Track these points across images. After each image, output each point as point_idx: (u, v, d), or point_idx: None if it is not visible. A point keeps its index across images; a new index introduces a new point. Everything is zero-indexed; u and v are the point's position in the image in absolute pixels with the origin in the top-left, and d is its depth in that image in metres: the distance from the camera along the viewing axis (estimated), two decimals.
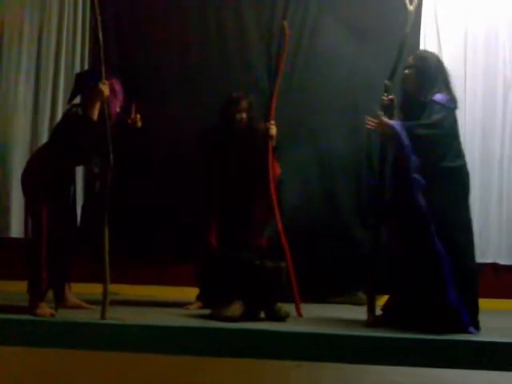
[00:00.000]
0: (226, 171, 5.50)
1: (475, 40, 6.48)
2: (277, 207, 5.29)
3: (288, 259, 5.18)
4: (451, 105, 4.76)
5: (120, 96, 5.13)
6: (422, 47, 6.30)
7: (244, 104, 5.49)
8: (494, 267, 6.25)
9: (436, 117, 4.66)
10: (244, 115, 5.49)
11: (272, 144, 5.43)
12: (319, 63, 6.19)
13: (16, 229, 6.41)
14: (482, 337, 4.34)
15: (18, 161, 6.40)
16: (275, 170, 5.47)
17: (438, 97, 4.72)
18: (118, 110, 5.11)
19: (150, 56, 6.31)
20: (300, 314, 5.17)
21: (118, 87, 5.11)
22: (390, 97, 4.95)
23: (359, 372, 3.73)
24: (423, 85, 4.78)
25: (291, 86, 6.24)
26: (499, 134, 6.43)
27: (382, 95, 4.94)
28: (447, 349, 3.97)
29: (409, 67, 4.89)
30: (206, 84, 6.21)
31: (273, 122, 5.45)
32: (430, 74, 4.79)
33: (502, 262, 6.29)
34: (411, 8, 5.04)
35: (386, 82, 4.96)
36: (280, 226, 5.25)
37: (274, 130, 5.43)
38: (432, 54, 5.01)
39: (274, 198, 5.31)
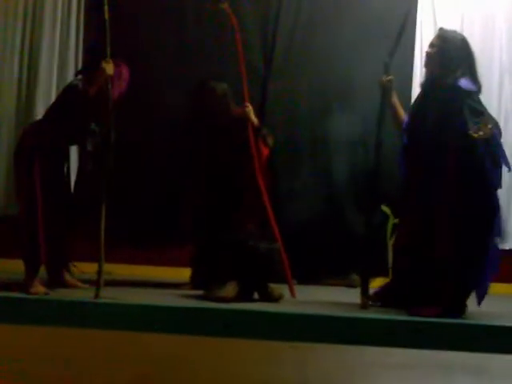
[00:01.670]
0: (211, 159, 5.51)
1: (471, 26, 6.47)
2: (264, 190, 5.28)
3: (279, 241, 5.18)
4: (476, 89, 4.69)
5: (124, 83, 5.10)
6: (418, 33, 6.31)
7: (207, 89, 5.51)
8: None
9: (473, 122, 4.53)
10: (209, 101, 5.49)
11: (252, 125, 5.41)
12: (314, 55, 6.17)
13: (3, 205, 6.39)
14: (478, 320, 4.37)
15: (5, 137, 6.39)
16: (262, 151, 5.47)
17: (464, 82, 4.65)
18: (116, 94, 5.06)
19: (145, 41, 6.26)
20: (293, 295, 5.18)
21: (125, 73, 5.09)
22: (389, 77, 4.93)
23: (352, 352, 3.75)
24: (445, 66, 4.72)
25: (287, 68, 6.24)
26: (495, 117, 6.43)
27: (382, 76, 4.93)
28: (441, 330, 4.00)
29: (431, 46, 4.84)
30: (201, 69, 6.18)
31: (247, 103, 5.41)
32: (452, 56, 4.72)
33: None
34: None
35: (386, 60, 4.93)
36: (269, 209, 5.25)
37: (248, 111, 5.40)
38: (456, 35, 4.92)
39: (261, 181, 5.30)
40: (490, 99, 6.39)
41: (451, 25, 6.39)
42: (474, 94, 4.68)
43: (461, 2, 6.48)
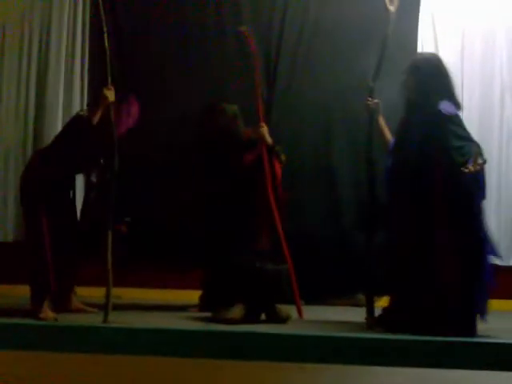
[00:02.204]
0: (219, 178, 5.54)
1: (472, 43, 6.52)
2: (276, 210, 5.31)
3: (289, 262, 5.21)
4: (457, 111, 4.72)
5: (132, 120, 5.16)
6: (419, 50, 6.33)
7: (217, 111, 5.59)
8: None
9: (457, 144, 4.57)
10: (218, 122, 5.56)
11: (265, 145, 5.45)
12: (319, 64, 6.20)
13: (11, 233, 6.43)
14: (484, 338, 4.39)
15: (14, 164, 6.43)
16: (277, 170, 5.51)
17: (444, 106, 4.66)
18: (124, 130, 5.12)
19: (150, 55, 6.29)
20: (301, 316, 5.20)
21: (134, 110, 5.15)
22: (375, 101, 4.98)
23: (360, 373, 3.76)
24: (422, 93, 4.73)
25: (290, 88, 6.27)
26: (497, 136, 6.48)
27: (367, 99, 4.98)
28: (447, 349, 4.00)
29: (406, 73, 4.86)
30: (202, 82, 6.22)
31: (262, 123, 5.46)
32: (427, 82, 4.72)
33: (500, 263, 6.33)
34: (392, 9, 5.04)
35: (370, 83, 4.99)
36: (279, 229, 5.28)
37: (263, 131, 5.44)
38: (430, 57, 4.95)
39: (273, 200, 5.34)
40: (491, 117, 6.45)
41: (452, 43, 6.47)
42: (454, 118, 4.68)
43: (461, 18, 6.52)
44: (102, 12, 4.89)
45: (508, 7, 6.49)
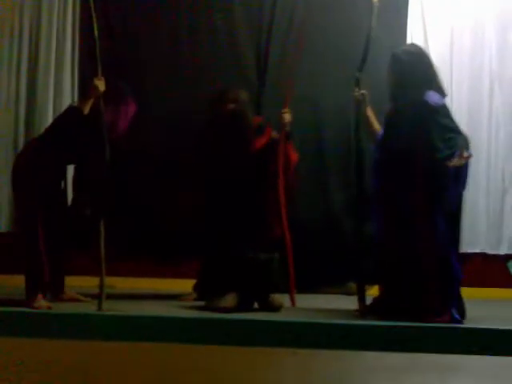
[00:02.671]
0: (224, 167, 5.51)
1: (461, 36, 6.56)
2: (284, 198, 5.35)
3: (289, 250, 5.26)
4: (443, 100, 4.75)
5: (130, 119, 5.20)
6: (408, 41, 6.37)
7: (231, 95, 5.54)
8: (483, 257, 6.37)
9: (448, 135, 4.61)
10: (231, 106, 5.53)
11: (285, 131, 5.46)
12: (309, 55, 6.22)
13: (5, 223, 6.45)
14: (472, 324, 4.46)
15: (5, 155, 6.46)
16: (292, 156, 5.53)
17: (431, 97, 4.67)
18: (121, 130, 5.16)
19: (140, 52, 6.31)
20: (293, 304, 5.25)
21: (131, 109, 5.19)
22: (362, 91, 5.00)
23: (349, 356, 3.83)
24: (406, 86, 4.74)
25: (281, 80, 6.30)
26: (486, 127, 6.53)
27: (353, 89, 5.01)
28: (433, 334, 4.08)
29: (388, 66, 4.87)
30: (195, 79, 6.24)
31: (286, 109, 5.47)
32: (409, 75, 4.73)
33: (490, 251, 6.40)
34: (375, 0, 5.08)
35: (356, 74, 5.01)
36: (284, 218, 5.32)
37: (287, 118, 5.45)
38: (411, 49, 4.93)
39: (281, 187, 5.37)
40: (480, 108, 6.50)
41: (441, 36, 6.52)
42: (442, 109, 4.70)
43: (450, 13, 6.56)
44: (92, 2, 4.92)
45: (496, 0, 6.53)
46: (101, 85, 4.93)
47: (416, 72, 4.75)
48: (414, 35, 6.47)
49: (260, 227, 5.40)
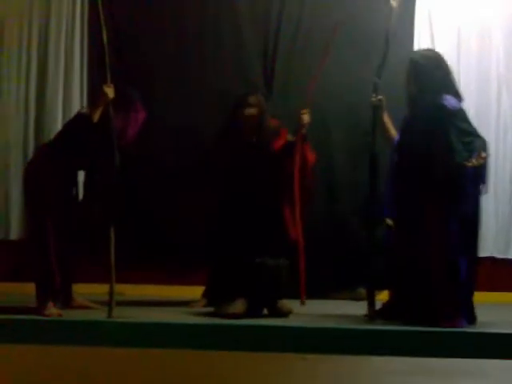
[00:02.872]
0: (237, 167, 5.54)
1: (468, 39, 6.56)
2: (299, 201, 5.35)
3: (301, 254, 5.28)
4: (461, 104, 4.79)
5: (140, 125, 5.22)
6: (416, 47, 6.39)
7: (252, 99, 5.54)
8: (491, 261, 6.36)
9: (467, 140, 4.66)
10: (252, 110, 5.54)
11: (302, 133, 5.47)
12: (315, 61, 6.24)
13: (16, 231, 6.47)
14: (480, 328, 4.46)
15: (15, 161, 6.48)
16: (309, 157, 5.53)
17: (449, 101, 4.71)
18: (130, 137, 5.19)
19: (147, 58, 6.36)
20: (303, 302, 5.26)
21: (141, 116, 5.21)
22: (379, 97, 5.00)
23: (357, 361, 3.84)
24: (424, 89, 4.78)
25: (288, 87, 6.33)
26: (494, 130, 6.52)
27: (371, 95, 5.02)
28: (442, 339, 4.09)
29: (407, 73, 4.92)
30: (200, 82, 6.27)
31: (306, 110, 5.46)
32: (427, 78, 4.78)
33: (498, 255, 6.40)
34: (394, 4, 5.08)
35: (375, 79, 5.01)
36: (299, 221, 5.34)
37: (306, 119, 5.45)
38: (428, 53, 5.00)
39: (297, 190, 5.37)
40: (488, 111, 6.50)
41: (448, 39, 6.52)
42: (459, 113, 4.75)
43: (457, 15, 6.56)
44: (100, 9, 4.95)
45: (504, 2, 6.53)
46: (110, 92, 4.95)
47: (434, 76, 4.79)
48: (421, 38, 6.48)
49: (274, 231, 5.42)
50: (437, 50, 6.27)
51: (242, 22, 6.37)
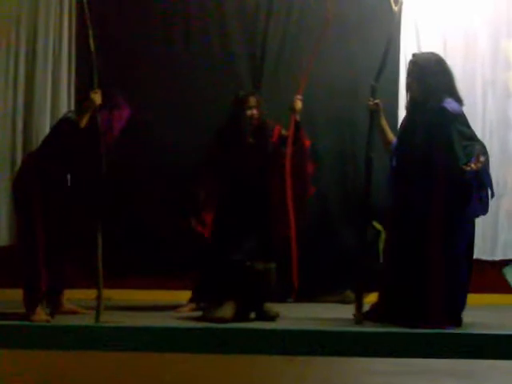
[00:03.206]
0: (237, 168, 5.59)
1: (454, 43, 6.58)
2: (291, 200, 5.40)
3: (294, 252, 5.34)
4: (461, 108, 4.83)
5: (123, 123, 5.24)
6: (402, 50, 6.44)
7: (252, 101, 5.61)
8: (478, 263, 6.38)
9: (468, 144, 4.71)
10: (254, 112, 5.59)
11: (295, 118, 5.55)
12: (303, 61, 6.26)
13: (4, 238, 6.47)
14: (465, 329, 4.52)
15: (3, 168, 6.47)
16: (305, 142, 5.61)
17: (450, 104, 4.75)
18: (117, 133, 5.21)
19: (134, 60, 6.41)
20: (295, 286, 5.32)
21: (125, 114, 5.23)
22: (376, 101, 5.03)
23: (343, 362, 3.87)
24: (426, 92, 4.81)
25: (277, 84, 6.36)
26: (480, 132, 6.47)
27: (368, 99, 5.05)
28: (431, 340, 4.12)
29: (408, 75, 4.95)
30: (189, 86, 6.32)
31: (300, 96, 5.55)
32: (430, 80, 4.80)
33: (484, 257, 6.42)
34: (396, 8, 5.13)
35: (373, 83, 5.03)
36: (292, 219, 5.38)
37: (299, 104, 5.54)
38: (430, 57, 5.01)
39: (290, 192, 5.42)
40: (474, 114, 6.52)
41: (434, 43, 6.54)
42: (461, 117, 4.79)
43: (443, 20, 6.59)
44: (87, 16, 4.97)
45: (489, 5, 6.57)
46: (97, 98, 4.97)
47: (438, 80, 4.83)
48: (407, 42, 6.51)
49: (266, 232, 5.44)
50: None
51: (228, 21, 6.42)
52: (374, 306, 5.08)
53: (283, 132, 5.64)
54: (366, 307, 4.99)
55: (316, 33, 5.91)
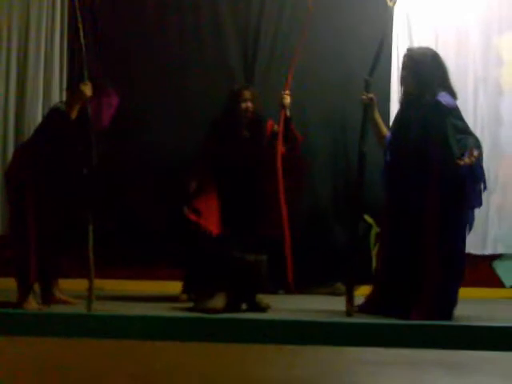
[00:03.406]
0: (232, 161, 5.62)
1: (446, 40, 6.60)
2: (283, 194, 5.41)
3: (287, 245, 5.35)
4: (456, 102, 4.86)
5: (113, 110, 5.24)
6: (394, 47, 6.46)
7: (247, 94, 5.64)
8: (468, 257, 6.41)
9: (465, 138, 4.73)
10: (249, 104, 5.63)
11: (285, 113, 5.57)
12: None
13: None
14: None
15: None
16: (298, 136, 5.64)
17: (444, 98, 4.77)
18: (107, 121, 5.22)
19: (126, 55, 6.43)
20: (291, 282, 5.35)
21: (114, 101, 5.24)
22: (370, 95, 5.05)
23: (331, 352, 3.90)
24: (421, 85, 4.83)
25: (269, 81, 6.39)
26: (471, 128, 6.56)
27: (362, 93, 5.06)
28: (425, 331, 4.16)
29: (403, 68, 4.97)
30: (181, 82, 6.34)
31: (288, 91, 5.58)
32: (425, 74, 4.83)
33: (474, 251, 6.45)
34: (391, 4, 5.14)
35: (366, 77, 5.04)
36: (284, 213, 5.38)
37: (287, 100, 5.57)
38: (425, 51, 5.04)
39: (281, 187, 5.43)
40: (466, 110, 6.54)
41: (426, 39, 6.57)
42: (455, 111, 4.82)
43: (435, 16, 6.61)
44: (77, 7, 4.98)
45: (481, 2, 6.60)
46: (87, 90, 4.97)
47: (433, 74, 4.87)
48: (399, 39, 6.53)
49: (259, 224, 5.46)
50: None
51: (221, 17, 6.44)
52: (368, 299, 5.10)
53: (275, 128, 5.66)
54: (358, 299, 5.01)
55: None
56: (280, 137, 5.53)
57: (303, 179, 5.76)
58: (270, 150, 5.59)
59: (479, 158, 4.71)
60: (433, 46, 6.50)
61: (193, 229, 5.40)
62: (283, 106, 5.58)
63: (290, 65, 5.61)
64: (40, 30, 6.57)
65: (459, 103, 6.43)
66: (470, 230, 4.88)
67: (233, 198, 5.54)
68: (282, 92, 5.59)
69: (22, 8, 6.62)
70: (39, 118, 6.42)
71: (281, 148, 5.52)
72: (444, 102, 4.77)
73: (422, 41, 6.56)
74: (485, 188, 4.84)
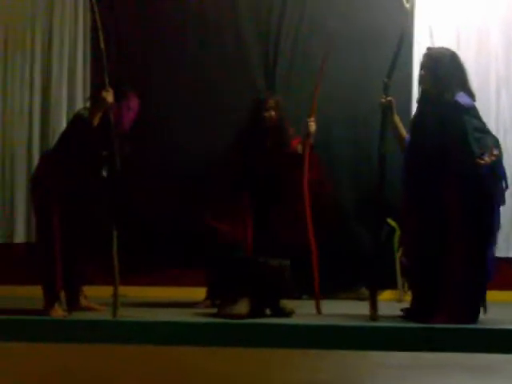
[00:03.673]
0: (256, 170, 5.65)
1: (468, 40, 6.59)
2: (308, 206, 5.36)
3: (314, 257, 5.32)
4: (473, 102, 4.84)
5: (133, 113, 5.26)
6: (415, 47, 6.45)
7: (271, 102, 5.65)
8: None
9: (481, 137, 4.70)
10: (273, 113, 5.64)
11: (310, 142, 5.53)
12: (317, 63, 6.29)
13: (20, 234, 6.53)
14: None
15: (20, 166, 6.55)
16: (327, 186, 5.70)
17: (462, 98, 4.76)
18: (127, 124, 5.24)
19: (148, 60, 6.47)
20: (319, 312, 5.27)
21: (133, 104, 5.25)
22: (388, 98, 5.03)
23: (355, 356, 3.90)
24: (439, 85, 4.82)
25: (290, 85, 6.39)
26: (493, 130, 6.47)
27: (381, 96, 5.03)
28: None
29: (422, 67, 4.96)
30: (203, 87, 6.37)
31: (313, 118, 5.55)
32: (443, 74, 4.82)
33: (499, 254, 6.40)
34: (408, 6, 5.14)
35: (385, 79, 5.02)
36: (309, 224, 5.35)
37: (313, 127, 5.54)
38: (444, 51, 5.02)
39: (308, 198, 5.38)
40: (488, 111, 6.51)
41: (447, 39, 6.55)
42: (472, 110, 4.80)
43: (456, 16, 6.60)
44: (97, 14, 5.00)
45: (502, 1, 6.57)
46: (109, 96, 5.00)
47: (450, 73, 4.85)
48: (421, 39, 6.51)
49: (283, 232, 5.47)
50: None
51: (242, 21, 6.46)
52: (413, 305, 5.06)
53: (298, 149, 5.64)
54: (381, 304, 4.98)
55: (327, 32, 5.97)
56: (306, 167, 5.46)
57: (329, 199, 5.73)
58: (292, 165, 5.57)
59: (499, 157, 4.70)
60: (454, 47, 6.49)
61: (217, 235, 5.41)
62: (308, 135, 5.53)
63: (314, 91, 5.53)
64: (63, 38, 6.63)
65: (481, 103, 6.41)
66: (498, 229, 4.83)
67: (258, 205, 5.56)
68: (308, 119, 5.54)
69: (46, 16, 6.68)
70: (64, 125, 6.47)
71: (307, 175, 5.47)
72: (462, 102, 4.76)
73: (443, 41, 6.53)
74: (507, 187, 4.81)
